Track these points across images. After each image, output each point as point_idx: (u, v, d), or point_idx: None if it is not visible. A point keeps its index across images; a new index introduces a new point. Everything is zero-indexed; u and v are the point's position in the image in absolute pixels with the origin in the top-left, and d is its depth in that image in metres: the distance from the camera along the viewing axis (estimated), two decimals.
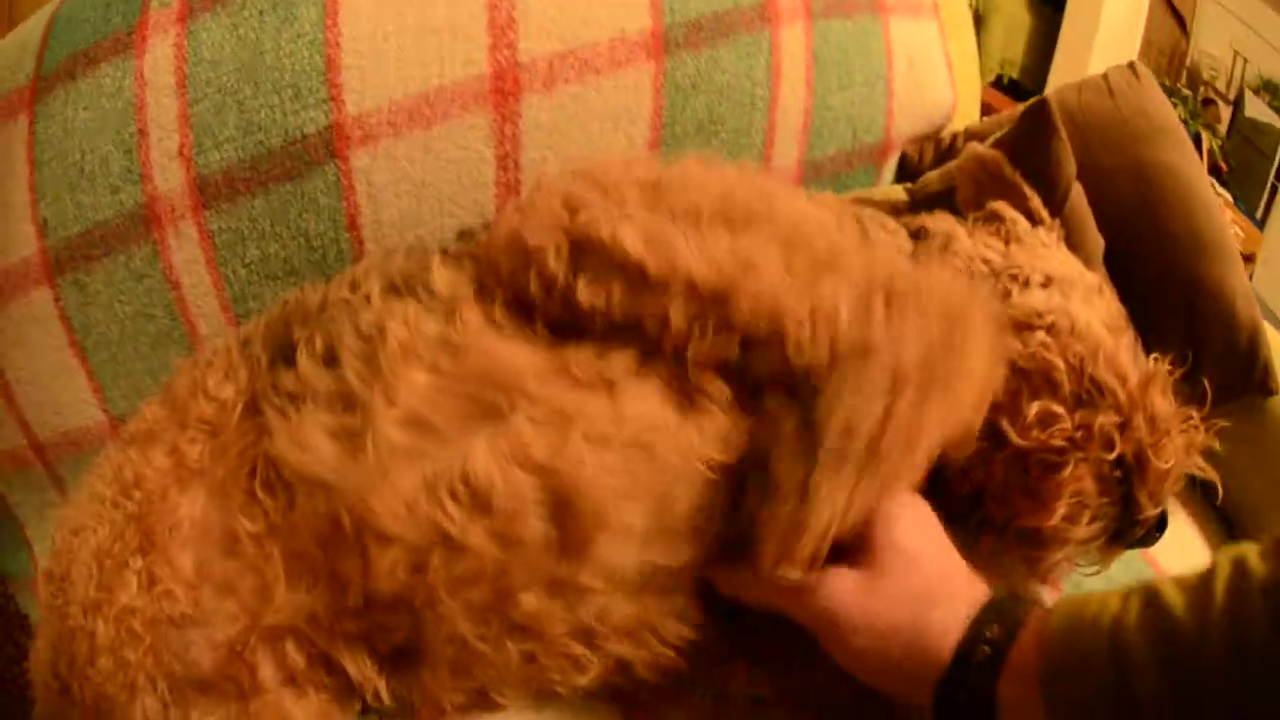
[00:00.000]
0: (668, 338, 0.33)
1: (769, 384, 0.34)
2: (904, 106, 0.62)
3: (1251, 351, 0.63)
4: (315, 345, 0.38)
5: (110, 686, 0.33)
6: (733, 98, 0.55)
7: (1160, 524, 0.46)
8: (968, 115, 0.75)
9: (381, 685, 0.36)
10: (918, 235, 0.51)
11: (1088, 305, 0.48)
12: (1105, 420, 0.42)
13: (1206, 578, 0.28)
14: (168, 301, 0.51)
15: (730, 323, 0.32)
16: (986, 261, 0.49)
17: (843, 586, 0.32)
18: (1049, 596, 0.50)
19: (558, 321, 0.35)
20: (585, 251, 0.34)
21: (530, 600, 0.33)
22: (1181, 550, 0.64)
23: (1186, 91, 1.61)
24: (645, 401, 0.33)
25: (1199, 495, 0.78)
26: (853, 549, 0.33)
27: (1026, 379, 0.44)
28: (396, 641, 0.35)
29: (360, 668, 0.35)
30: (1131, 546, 0.47)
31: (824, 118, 0.58)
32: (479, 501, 0.32)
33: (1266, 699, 0.25)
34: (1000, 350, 0.38)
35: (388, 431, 0.33)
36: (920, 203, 0.59)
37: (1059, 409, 0.42)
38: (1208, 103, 1.66)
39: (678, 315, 0.33)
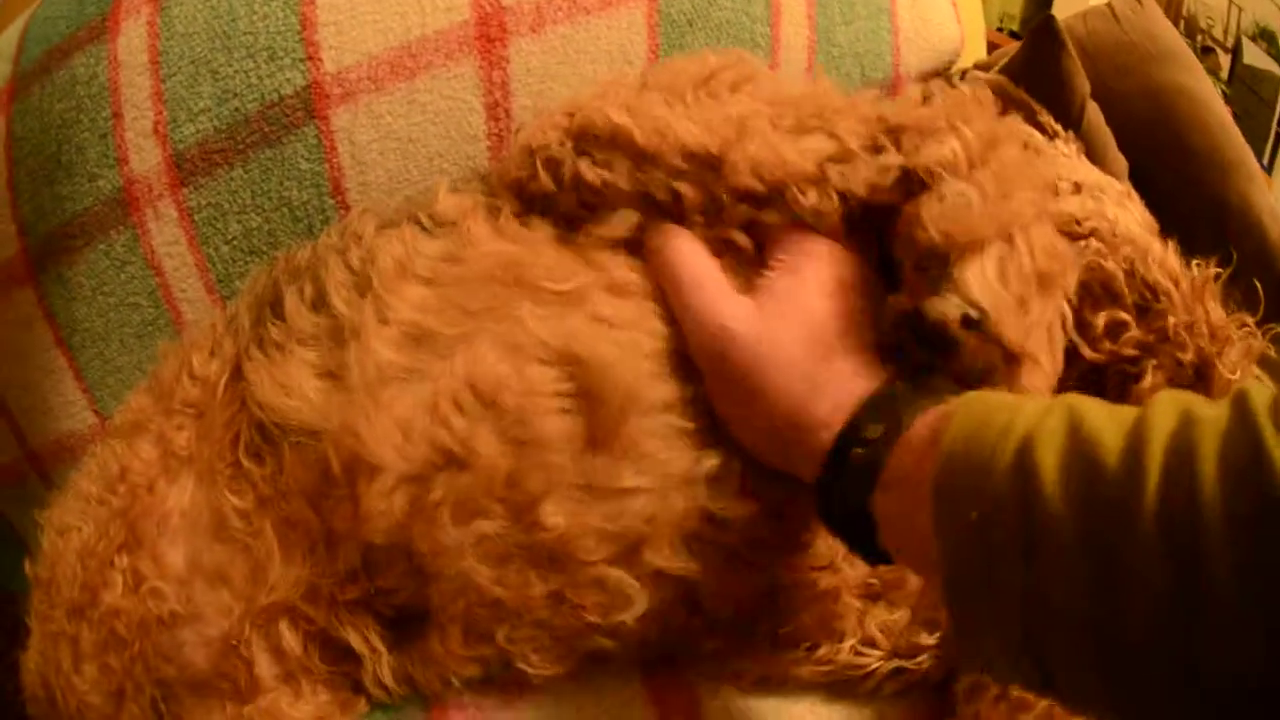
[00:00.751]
0: (679, 208, 0.31)
1: None
2: (910, 41, 0.58)
3: None
4: (304, 292, 0.35)
5: (94, 696, 0.30)
6: (732, 35, 0.51)
7: None
8: (975, 54, 0.72)
9: (386, 662, 0.32)
10: None
11: (1124, 209, 0.45)
12: (1175, 320, 0.39)
13: (1143, 421, 0.22)
14: (151, 288, 0.48)
15: (733, 185, 0.30)
16: None
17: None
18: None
19: (572, 214, 0.33)
20: (585, 139, 0.33)
21: (555, 514, 0.28)
22: None
23: (1185, 40, 1.67)
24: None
25: None
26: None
27: (1086, 290, 0.40)
28: (400, 602, 0.31)
29: (363, 639, 0.31)
30: None
31: (829, 54, 0.55)
32: (486, 404, 0.28)
33: (1199, 585, 0.19)
34: (1042, 186, 0.35)
35: (380, 351, 0.30)
36: None
37: (1126, 315, 0.39)
38: (1206, 50, 1.66)
39: (680, 182, 0.31)
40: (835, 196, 0.30)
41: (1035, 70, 0.56)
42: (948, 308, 0.27)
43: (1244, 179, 0.59)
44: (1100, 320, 0.39)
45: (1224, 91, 1.56)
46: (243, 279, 0.48)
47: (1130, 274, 0.40)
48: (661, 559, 0.29)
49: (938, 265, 0.28)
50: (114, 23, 0.49)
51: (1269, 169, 1.60)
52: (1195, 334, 0.39)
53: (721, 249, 0.32)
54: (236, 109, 0.46)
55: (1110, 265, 0.40)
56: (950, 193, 0.29)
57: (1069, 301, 0.34)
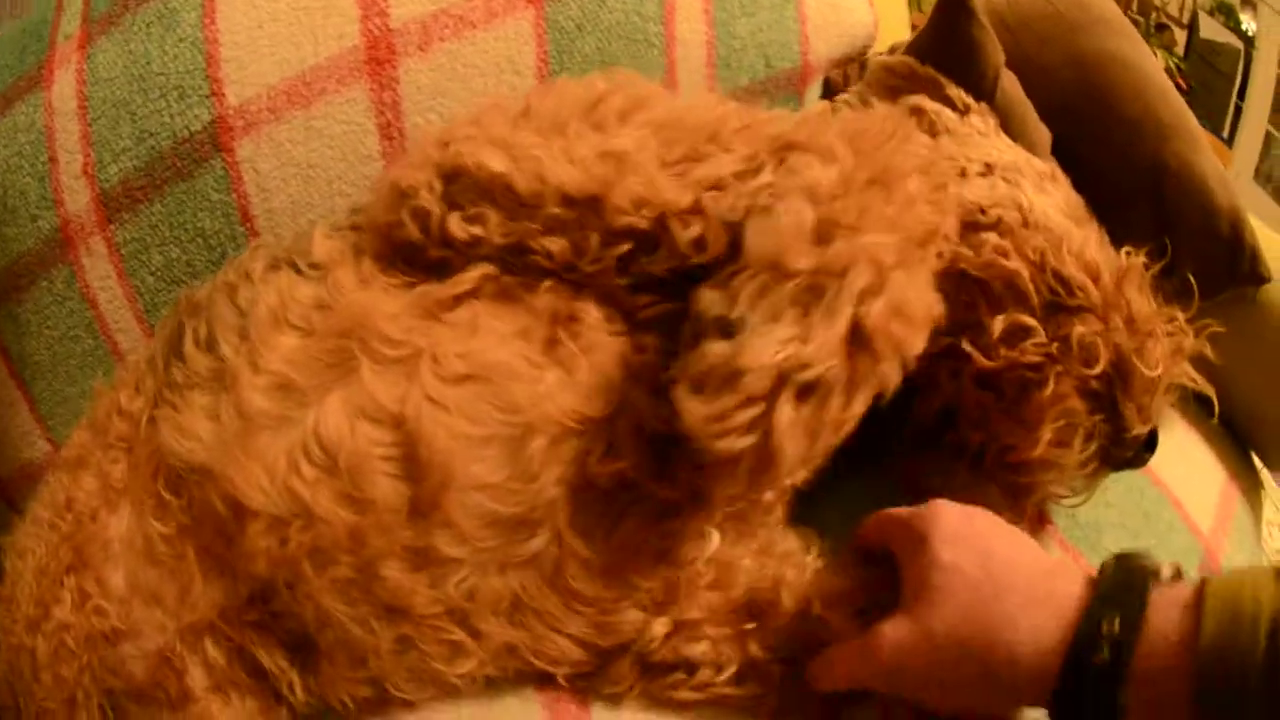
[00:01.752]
0: (554, 254, 0.30)
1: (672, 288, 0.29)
2: (819, 29, 0.56)
3: (1235, 237, 0.55)
4: (199, 333, 0.36)
5: (50, 702, 0.32)
6: (624, 36, 0.51)
7: (1150, 442, 0.39)
8: (897, 35, 0.69)
9: (295, 678, 0.33)
10: None
11: (1042, 192, 0.42)
12: (1084, 328, 0.36)
13: None
14: (89, 321, 0.51)
15: (612, 226, 0.29)
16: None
17: (898, 634, 0.28)
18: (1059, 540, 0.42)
19: (439, 264, 0.32)
20: (456, 182, 0.31)
21: (393, 574, 0.29)
22: (1189, 466, 0.55)
23: (1139, 18, 1.58)
24: (503, 342, 0.30)
25: (1196, 403, 0.68)
26: (901, 590, 0.29)
27: (983, 289, 0.37)
28: (291, 627, 0.32)
29: (271, 659, 0.33)
30: (1119, 469, 0.40)
31: (730, 48, 0.54)
32: (329, 462, 0.29)
33: None
34: (941, 197, 0.32)
35: (252, 400, 0.31)
36: None
37: (1029, 320, 0.36)
38: (1161, 27, 1.61)
39: (558, 228, 0.30)
40: (721, 226, 0.28)
41: (944, 43, 0.53)
42: (708, 303, 0.25)
43: (1184, 143, 0.55)
44: (997, 325, 0.36)
45: (1179, 66, 1.48)
46: (167, 308, 0.50)
47: (1040, 267, 0.37)
48: (488, 626, 0.29)
49: (729, 269, 0.26)
50: (49, 71, 0.52)
51: (1229, 142, 1.50)
52: (1110, 333, 0.36)
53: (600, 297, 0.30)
54: (152, 147, 0.48)
55: (1012, 264, 0.37)
56: (782, 211, 0.26)
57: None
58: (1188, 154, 0.55)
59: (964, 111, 0.49)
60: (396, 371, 0.29)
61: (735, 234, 0.27)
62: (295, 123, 0.48)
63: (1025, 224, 0.39)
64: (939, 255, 0.31)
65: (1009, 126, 0.52)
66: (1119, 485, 0.47)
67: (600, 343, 0.30)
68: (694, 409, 0.24)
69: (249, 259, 0.40)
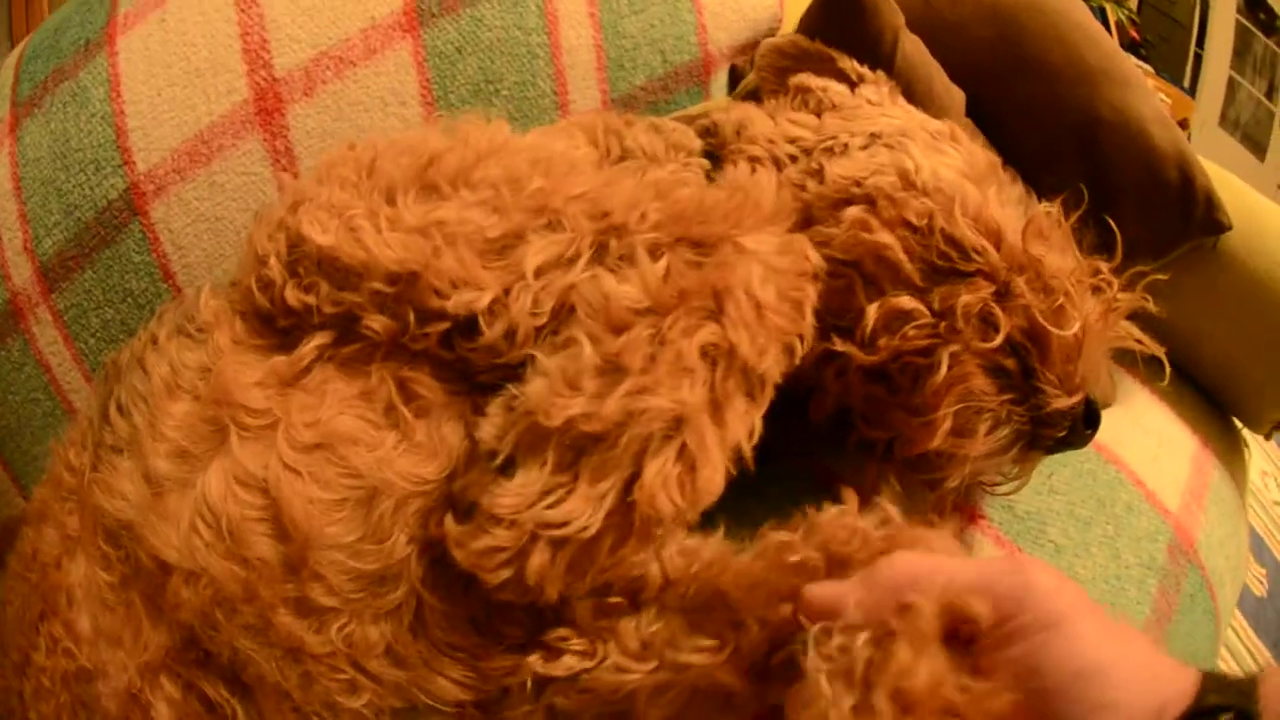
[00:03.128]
0: (379, 331, 0.29)
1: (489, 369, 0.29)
2: (717, 16, 0.54)
3: (1185, 184, 0.50)
4: (120, 398, 0.38)
5: None
6: (506, 52, 0.50)
7: (1089, 417, 0.34)
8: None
9: (239, 709, 0.35)
10: (709, 132, 0.44)
11: (936, 153, 0.38)
12: (971, 297, 0.32)
13: None
14: (44, 384, 0.54)
15: (427, 307, 0.28)
16: (794, 140, 0.40)
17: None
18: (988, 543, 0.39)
19: (292, 330, 0.32)
20: (296, 249, 0.31)
21: (284, 620, 0.30)
22: (1152, 438, 0.50)
23: None
24: (347, 408, 0.30)
25: (1160, 367, 0.62)
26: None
27: (857, 269, 0.34)
28: (225, 665, 0.34)
29: (217, 692, 0.35)
30: (1055, 451, 0.35)
31: (621, 49, 0.52)
32: (216, 525, 0.30)
33: None
34: (800, 285, 0.29)
35: (157, 466, 0.32)
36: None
37: (907, 301, 0.33)
38: None
39: (380, 304, 0.29)
40: (530, 322, 0.27)
41: (836, 9, 0.49)
42: (484, 433, 0.25)
43: (1116, 86, 0.50)
44: (870, 314, 0.32)
45: (1132, 19, 1.38)
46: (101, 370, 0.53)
47: (929, 231, 0.33)
48: (374, 667, 0.30)
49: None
50: None
51: (1191, 91, 1.40)
52: (1014, 297, 0.32)
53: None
54: (79, 219, 0.51)
55: (875, 236, 0.33)
56: (563, 356, 0.25)
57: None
58: (1122, 98, 0.50)
59: (857, 83, 0.46)
60: (260, 440, 0.30)
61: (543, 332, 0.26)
62: (199, 181, 0.49)
63: (908, 187, 0.35)
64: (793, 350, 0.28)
65: (913, 92, 0.48)
66: (1066, 469, 0.44)
67: (437, 406, 0.29)
68: (455, 536, 0.24)
69: (156, 324, 0.41)
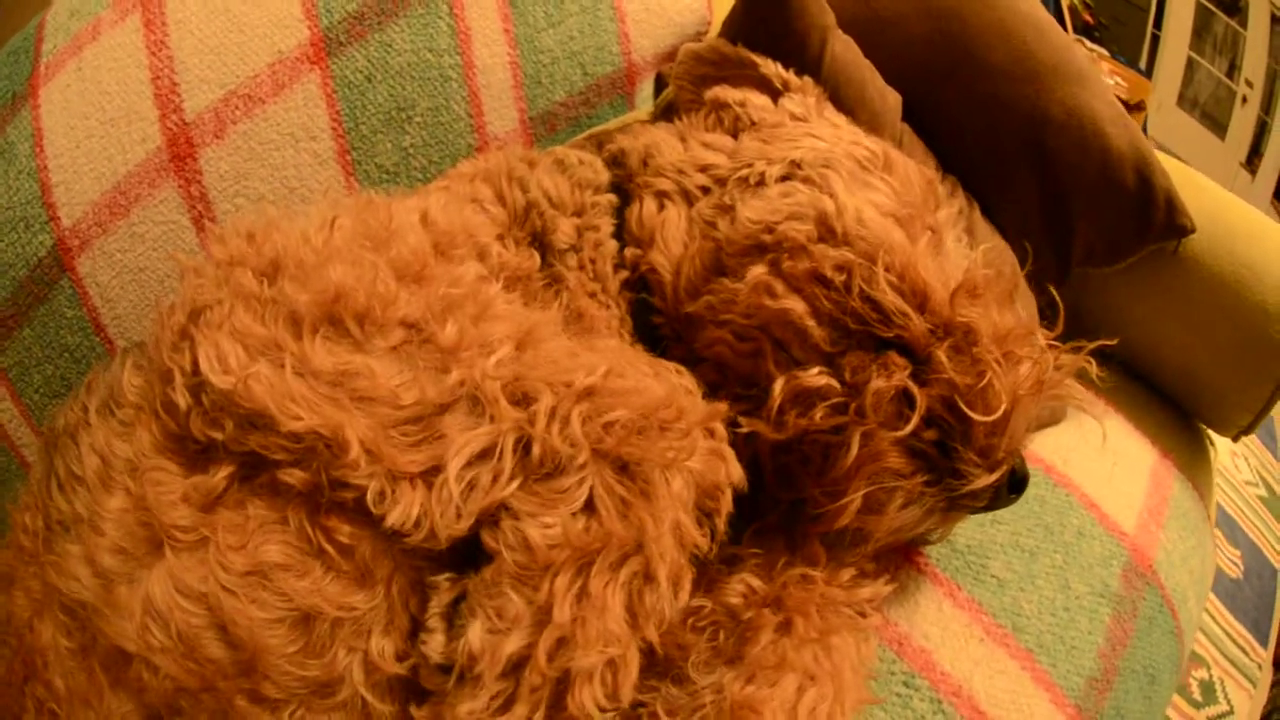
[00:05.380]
0: (294, 484, 0.27)
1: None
2: (641, 23, 0.50)
3: (1144, 186, 0.45)
4: (60, 473, 0.36)
5: None
6: (418, 77, 0.46)
7: (1015, 483, 0.30)
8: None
9: None
10: (617, 160, 0.39)
11: (861, 187, 0.33)
12: (883, 383, 0.28)
13: None
14: None
15: (340, 479, 0.26)
16: (706, 168, 0.36)
17: None
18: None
19: (208, 445, 0.30)
20: (199, 375, 0.29)
21: (243, 705, 0.29)
22: (1106, 458, 0.46)
23: None
24: (271, 535, 0.28)
25: (1124, 369, 0.57)
26: None
27: (765, 333, 0.30)
28: None
29: None
30: (977, 513, 0.32)
31: (537, 64, 0.48)
32: (167, 629, 0.30)
33: None
34: (717, 467, 0.27)
35: (103, 560, 0.31)
36: (661, 118, 0.46)
37: (816, 379, 0.29)
38: None
39: (291, 459, 0.27)
40: (453, 518, 0.26)
41: (761, 10, 0.45)
42: (430, 649, 0.26)
43: (1068, 84, 0.45)
44: (776, 390, 0.29)
45: (1087, 3, 1.30)
46: (43, 432, 0.51)
47: (846, 289, 0.29)
48: None
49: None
50: None
51: (1148, 73, 1.31)
52: (936, 370, 0.28)
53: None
54: (13, 278, 0.49)
55: (780, 302, 0.30)
56: (527, 533, 0.25)
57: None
58: (1075, 97, 0.45)
59: (781, 91, 0.40)
60: (193, 556, 0.29)
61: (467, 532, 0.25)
62: (120, 233, 0.47)
63: (827, 235, 0.31)
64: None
65: (843, 96, 0.44)
66: (1048, 508, 0.41)
67: (361, 542, 0.28)
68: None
69: (86, 394, 0.39)
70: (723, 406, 0.28)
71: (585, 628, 0.24)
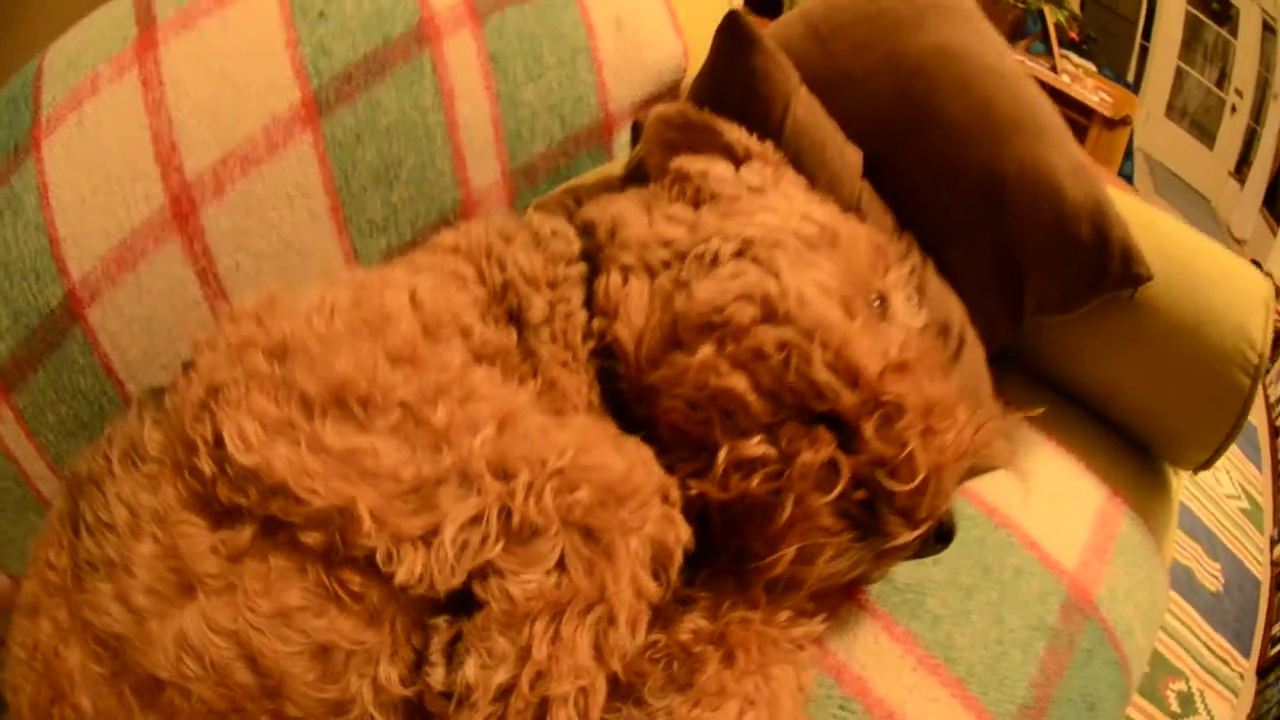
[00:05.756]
0: (312, 545, 0.33)
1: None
2: (618, 73, 0.53)
3: (1099, 239, 0.48)
4: (87, 517, 0.41)
5: None
6: (404, 135, 0.50)
7: (941, 535, 0.35)
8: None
9: None
10: (587, 231, 0.42)
11: (807, 266, 0.37)
12: (811, 455, 0.33)
13: None
14: (14, 474, 0.57)
15: (353, 540, 0.31)
16: (668, 243, 0.40)
17: None
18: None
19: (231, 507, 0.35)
20: (222, 447, 0.34)
21: None
22: (1049, 498, 0.50)
23: None
24: (292, 583, 0.33)
25: (1082, 408, 0.60)
26: None
27: (713, 404, 0.35)
28: None
29: None
30: (909, 559, 0.37)
31: (518, 118, 0.51)
32: (200, 660, 0.34)
33: None
34: (669, 529, 0.32)
35: (136, 599, 0.36)
36: (632, 176, 0.50)
37: (755, 448, 0.33)
38: None
39: (309, 525, 0.32)
40: (460, 579, 0.31)
41: (726, 76, 0.48)
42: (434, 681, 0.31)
43: (1026, 138, 0.48)
44: (721, 458, 0.33)
45: (1075, 17, 1.32)
46: (70, 455, 0.55)
47: (784, 365, 0.34)
48: None
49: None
50: None
51: (1136, 84, 1.34)
52: (863, 443, 0.32)
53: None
54: (26, 325, 0.53)
55: (731, 380, 0.34)
56: (509, 588, 0.30)
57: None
58: (1032, 151, 0.47)
59: (743, 159, 0.44)
60: (221, 599, 0.34)
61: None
62: (128, 285, 0.50)
63: (770, 316, 0.35)
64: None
65: (804, 159, 0.47)
66: (985, 546, 0.45)
67: (369, 588, 0.33)
68: None
69: (108, 445, 0.43)
70: (672, 479, 0.33)
71: (559, 663, 0.30)
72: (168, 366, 0.52)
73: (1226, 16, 1.35)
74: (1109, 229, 0.48)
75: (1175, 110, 1.45)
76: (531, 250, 0.40)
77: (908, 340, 0.36)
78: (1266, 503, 1.36)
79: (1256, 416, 1.53)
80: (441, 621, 0.32)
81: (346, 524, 0.31)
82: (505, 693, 0.29)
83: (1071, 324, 0.54)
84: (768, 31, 0.55)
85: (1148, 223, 0.53)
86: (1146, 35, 1.41)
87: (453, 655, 0.31)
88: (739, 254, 0.37)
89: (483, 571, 0.30)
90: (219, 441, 0.34)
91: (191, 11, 0.52)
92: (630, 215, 0.41)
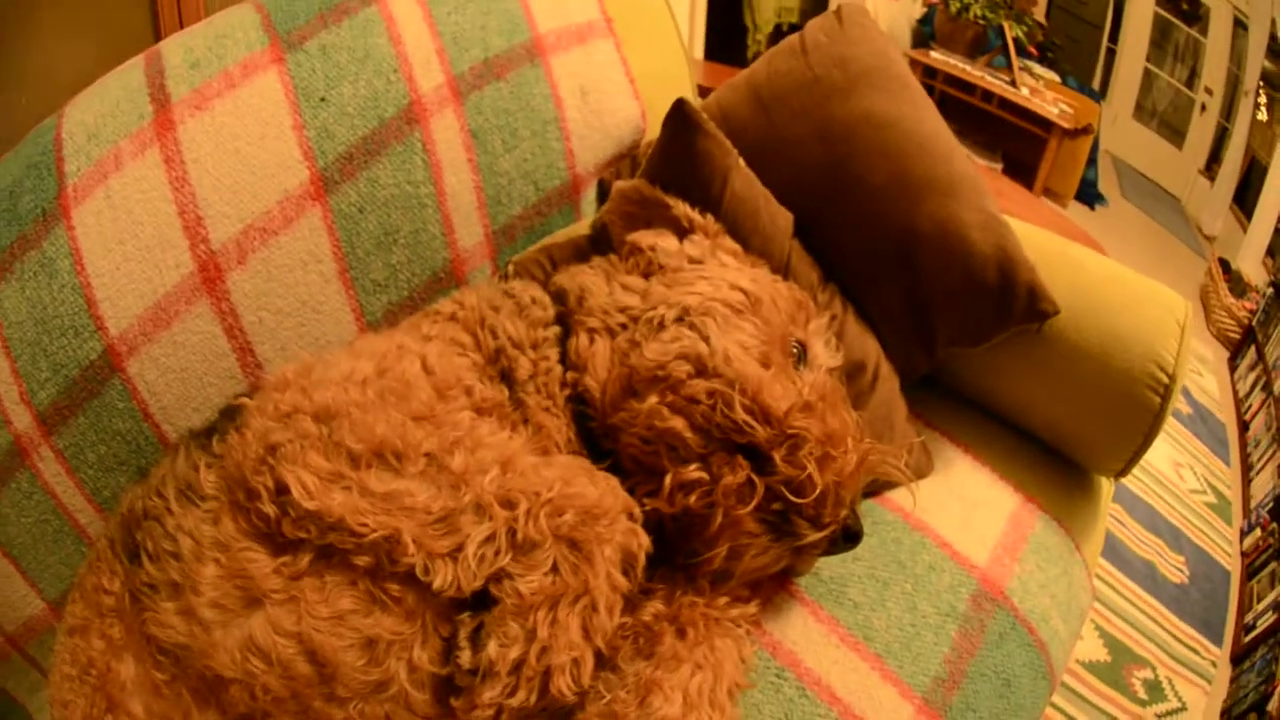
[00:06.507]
0: (362, 565, 0.45)
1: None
2: (584, 139, 0.65)
3: (1005, 283, 0.60)
4: (148, 547, 0.52)
5: None
6: (400, 206, 0.62)
7: (849, 535, 0.48)
8: (681, 90, 0.73)
9: None
10: (559, 298, 0.55)
11: (729, 330, 0.50)
12: (731, 479, 0.46)
13: None
14: (52, 507, 0.68)
15: (397, 559, 0.44)
16: (624, 309, 0.54)
17: None
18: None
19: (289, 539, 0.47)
20: (285, 495, 0.46)
21: (320, 706, 0.47)
22: (961, 506, 0.63)
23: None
24: (345, 592, 0.46)
25: (1000, 423, 0.71)
26: None
27: (661, 440, 0.48)
28: None
29: None
30: (826, 555, 0.50)
31: (497, 185, 0.64)
32: (266, 659, 0.46)
33: None
34: (632, 540, 0.45)
35: (202, 613, 0.48)
36: (597, 238, 0.62)
37: (692, 474, 0.47)
38: None
39: (356, 549, 0.45)
40: (480, 582, 0.43)
41: (674, 156, 0.60)
42: (463, 662, 0.44)
43: (938, 197, 0.59)
44: (667, 482, 0.46)
45: (1040, 25, 1.45)
46: (108, 489, 0.67)
47: (713, 409, 0.46)
48: None
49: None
50: None
51: (1102, 93, 1.47)
52: (772, 466, 0.45)
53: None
54: (66, 376, 0.64)
55: (666, 423, 0.47)
56: (519, 586, 0.43)
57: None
58: (943, 209, 0.58)
59: (688, 230, 0.57)
60: (287, 608, 0.46)
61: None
62: (163, 340, 0.62)
63: (701, 372, 0.48)
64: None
65: (740, 226, 0.59)
66: (872, 539, 0.57)
67: (407, 593, 0.45)
68: (459, 707, 0.44)
69: (161, 483, 0.55)
70: (633, 500, 0.46)
71: (557, 640, 0.42)
72: (199, 409, 0.63)
73: (1196, 16, 1.48)
74: (1015, 272, 0.59)
75: (1144, 111, 1.58)
76: (516, 318, 0.53)
77: (816, 382, 0.49)
78: (1235, 495, 1.51)
79: (1225, 414, 1.68)
80: (465, 617, 0.45)
81: (392, 548, 0.44)
82: (518, 666, 0.42)
83: (989, 353, 0.64)
84: (717, 96, 0.67)
85: (1066, 258, 0.63)
86: (1114, 39, 1.54)
87: (476, 641, 0.44)
88: (679, 319, 0.50)
89: (497, 576, 0.43)
90: (279, 490, 0.46)
91: (204, 92, 0.64)
92: (593, 285, 0.54)
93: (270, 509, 0.46)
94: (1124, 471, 0.67)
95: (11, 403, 0.66)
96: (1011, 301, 0.59)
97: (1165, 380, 0.61)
